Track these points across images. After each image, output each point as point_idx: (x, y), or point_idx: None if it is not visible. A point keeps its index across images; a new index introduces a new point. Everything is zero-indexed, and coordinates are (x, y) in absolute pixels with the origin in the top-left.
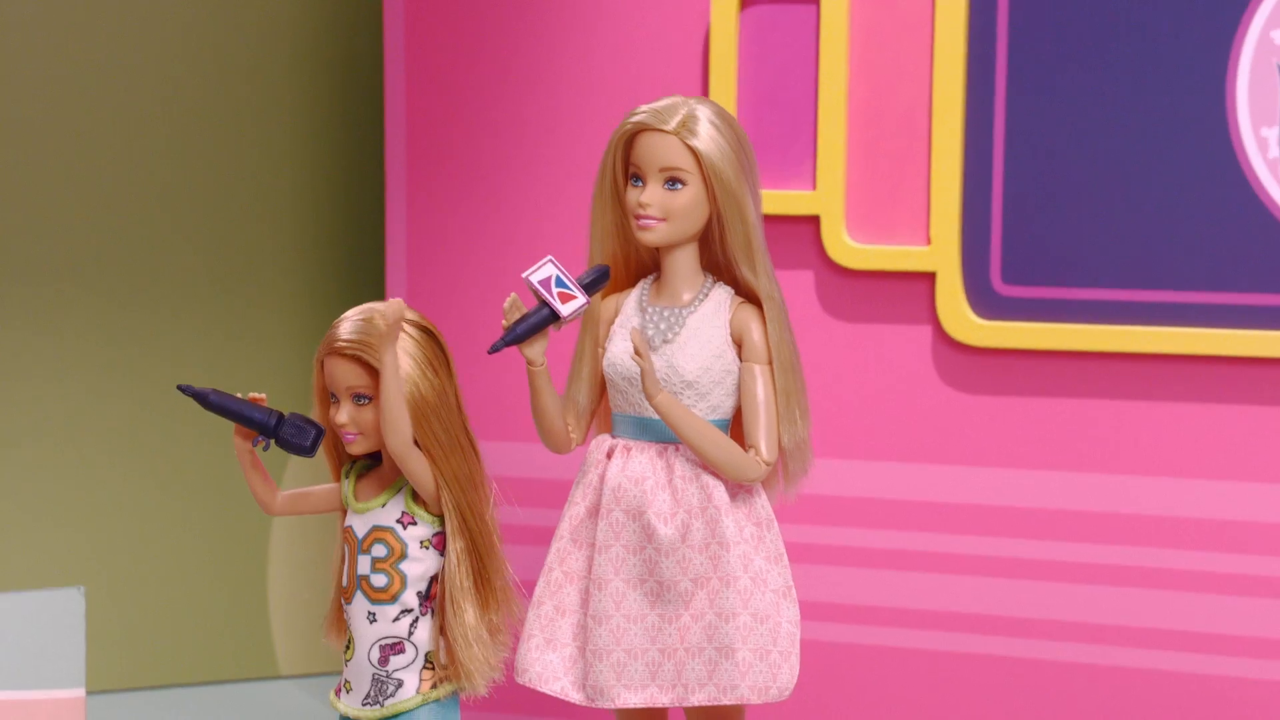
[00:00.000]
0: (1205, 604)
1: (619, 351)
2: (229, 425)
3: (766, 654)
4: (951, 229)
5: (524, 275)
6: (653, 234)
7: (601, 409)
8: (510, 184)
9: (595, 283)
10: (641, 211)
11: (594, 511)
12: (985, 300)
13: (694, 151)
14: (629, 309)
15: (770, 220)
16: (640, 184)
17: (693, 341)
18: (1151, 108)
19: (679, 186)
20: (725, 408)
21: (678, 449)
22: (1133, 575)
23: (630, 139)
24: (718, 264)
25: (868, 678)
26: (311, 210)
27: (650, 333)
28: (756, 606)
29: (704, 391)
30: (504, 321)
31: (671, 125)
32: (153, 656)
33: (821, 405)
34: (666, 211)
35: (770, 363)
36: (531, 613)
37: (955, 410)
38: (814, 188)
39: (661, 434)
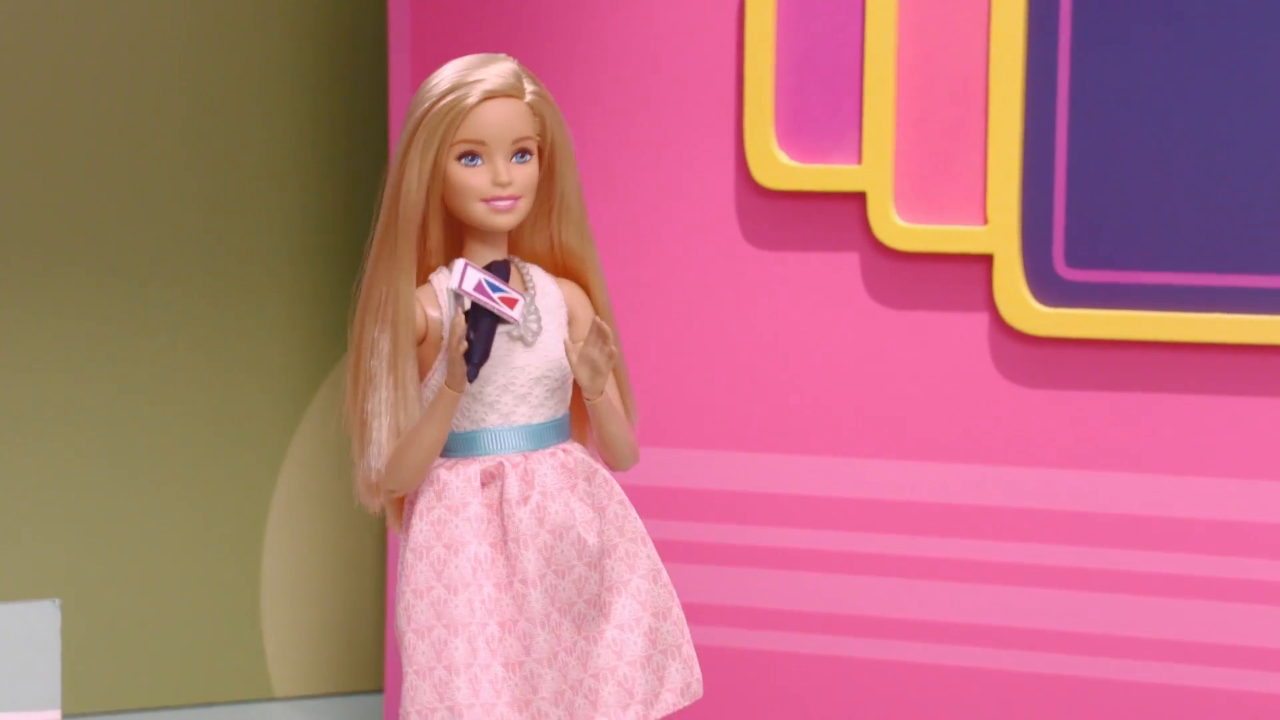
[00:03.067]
0: None
1: (544, 349)
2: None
3: (690, 644)
4: (1010, 207)
5: (452, 287)
6: (512, 216)
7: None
8: None
9: (507, 277)
10: (501, 192)
11: (499, 546)
12: (1048, 285)
13: (539, 116)
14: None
15: (812, 198)
16: (478, 162)
17: (554, 329)
18: (1232, 70)
19: (528, 157)
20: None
21: (565, 450)
22: (1224, 588)
23: (465, 114)
24: (516, 241)
25: (927, 697)
26: (310, 194)
27: (515, 330)
28: (675, 597)
29: (567, 381)
30: (449, 345)
31: (512, 86)
32: (134, 676)
33: (867, 400)
34: (523, 187)
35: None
36: (464, 680)
37: (1015, 406)
38: (859, 162)
39: (550, 437)
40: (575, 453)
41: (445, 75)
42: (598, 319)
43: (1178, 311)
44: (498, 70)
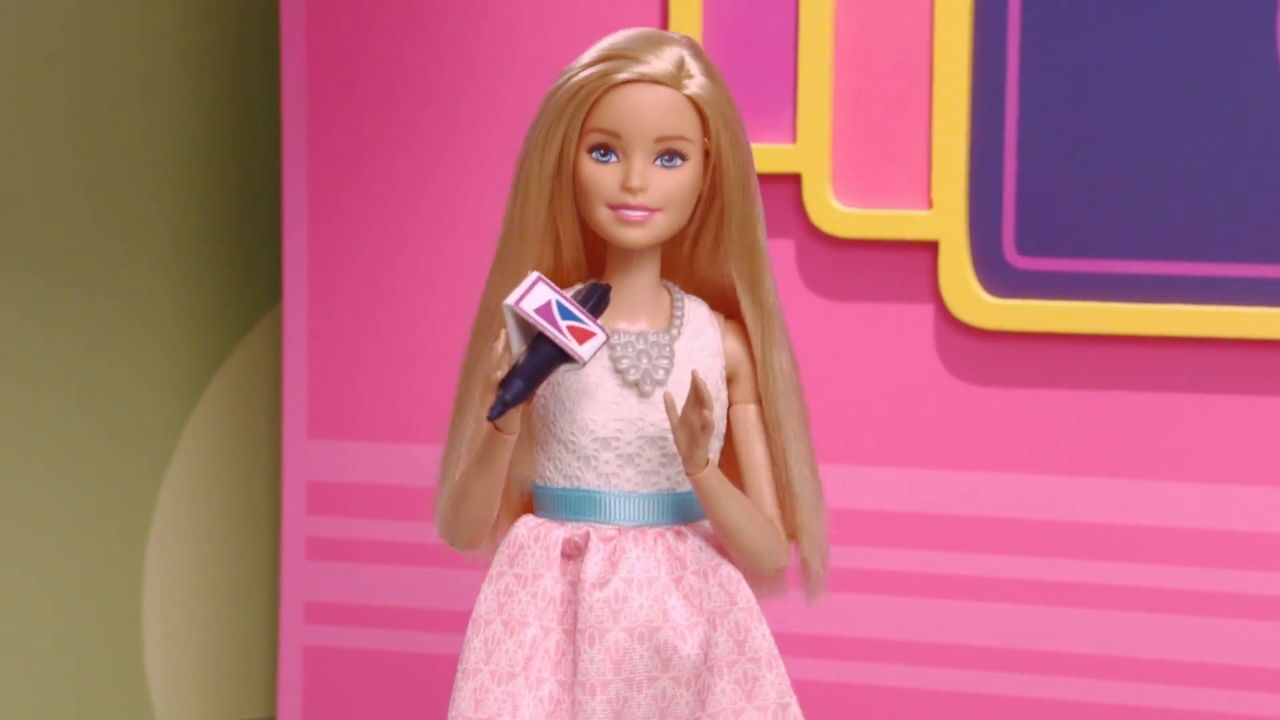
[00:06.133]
0: (1273, 634)
1: (614, 404)
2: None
3: None
4: (957, 189)
5: (509, 303)
6: (643, 231)
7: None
8: (422, 141)
9: (599, 307)
10: (630, 200)
11: (573, 637)
12: (997, 274)
13: (700, 110)
14: None
15: None
16: (613, 158)
17: (688, 383)
18: (1195, 43)
19: (679, 162)
20: None
21: (679, 532)
22: (1176, 600)
23: (599, 95)
24: (677, 267)
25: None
26: (198, 181)
27: (632, 373)
28: None
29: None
30: (494, 373)
31: (669, 73)
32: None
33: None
34: (664, 198)
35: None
36: None
37: (962, 405)
38: (794, 141)
39: (661, 514)
40: (692, 539)
41: (594, 49)
42: (695, 374)
43: (1138, 303)
44: (658, 49)
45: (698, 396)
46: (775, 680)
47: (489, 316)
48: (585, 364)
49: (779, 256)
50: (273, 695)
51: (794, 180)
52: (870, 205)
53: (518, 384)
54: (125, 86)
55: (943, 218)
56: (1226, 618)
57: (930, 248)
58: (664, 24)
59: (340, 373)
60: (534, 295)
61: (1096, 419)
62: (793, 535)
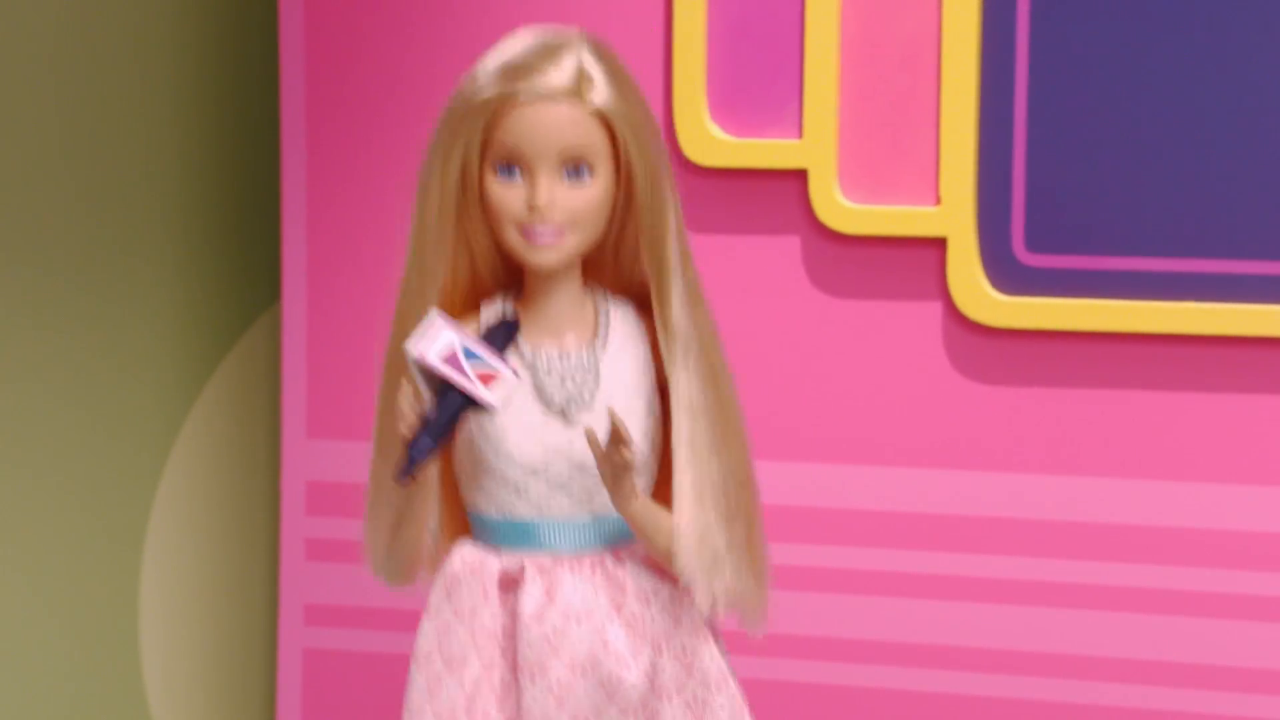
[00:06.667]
0: None
1: (540, 432)
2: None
3: None
4: (965, 185)
5: (413, 354)
6: (553, 253)
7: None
8: (422, 135)
9: (506, 345)
10: (538, 221)
11: (512, 669)
12: (1006, 271)
13: (606, 121)
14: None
15: (748, 176)
16: (516, 176)
17: (616, 402)
18: (1206, 37)
19: (586, 177)
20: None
21: (618, 556)
22: (1190, 602)
23: (499, 113)
24: (603, 270)
25: None
26: (196, 174)
27: (557, 399)
28: None
29: (638, 469)
30: (401, 427)
31: (568, 87)
32: None
33: (808, 398)
34: (572, 216)
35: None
36: None
37: (970, 404)
38: (800, 136)
39: (595, 539)
40: (630, 563)
41: (491, 59)
42: (612, 410)
43: (1150, 300)
44: (561, 61)
45: (616, 436)
46: (726, 702)
47: (396, 352)
48: (498, 410)
49: (784, 254)
50: (272, 699)
51: (800, 176)
52: (877, 201)
53: (425, 441)
54: (123, 83)
55: (951, 214)
56: (1252, 621)
57: (938, 244)
58: (668, 19)
59: (340, 371)
60: (438, 341)
61: (1108, 418)
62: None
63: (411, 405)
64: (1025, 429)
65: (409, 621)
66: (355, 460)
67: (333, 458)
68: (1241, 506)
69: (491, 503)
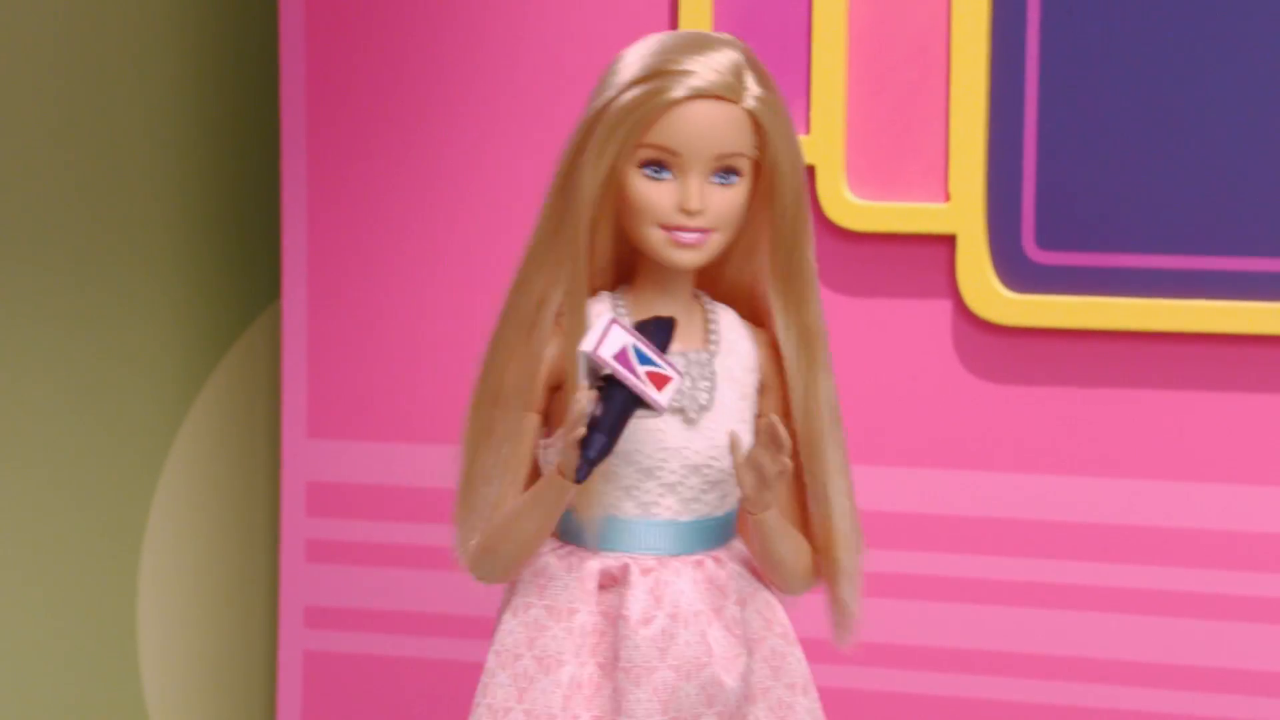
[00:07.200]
0: None
1: (711, 429)
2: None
3: None
4: (975, 181)
5: (585, 349)
6: (697, 253)
7: None
8: (423, 134)
9: (667, 344)
10: (688, 221)
11: (608, 670)
12: (1016, 269)
13: (759, 126)
14: None
15: None
16: (667, 175)
17: (732, 402)
18: (1218, 32)
19: (735, 179)
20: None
21: (718, 559)
22: (1214, 606)
23: (653, 109)
24: (705, 272)
25: None
26: (196, 169)
27: (677, 399)
28: None
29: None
30: (576, 432)
31: (728, 85)
32: None
33: None
34: (720, 218)
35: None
36: None
37: (980, 403)
38: (807, 132)
39: (700, 540)
40: (730, 564)
41: (640, 55)
42: (773, 419)
43: (1162, 298)
44: (714, 60)
45: (775, 442)
46: (809, 706)
47: (515, 328)
48: (665, 410)
49: None
50: (272, 702)
51: (807, 172)
52: (886, 198)
53: (601, 440)
54: (123, 82)
55: (960, 211)
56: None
57: (947, 241)
58: (674, 12)
59: (341, 370)
60: (609, 340)
61: (1120, 417)
62: (823, 570)
63: (583, 408)
64: (1036, 428)
65: (411, 624)
66: (356, 460)
67: (333, 457)
68: (1262, 508)
69: (595, 501)
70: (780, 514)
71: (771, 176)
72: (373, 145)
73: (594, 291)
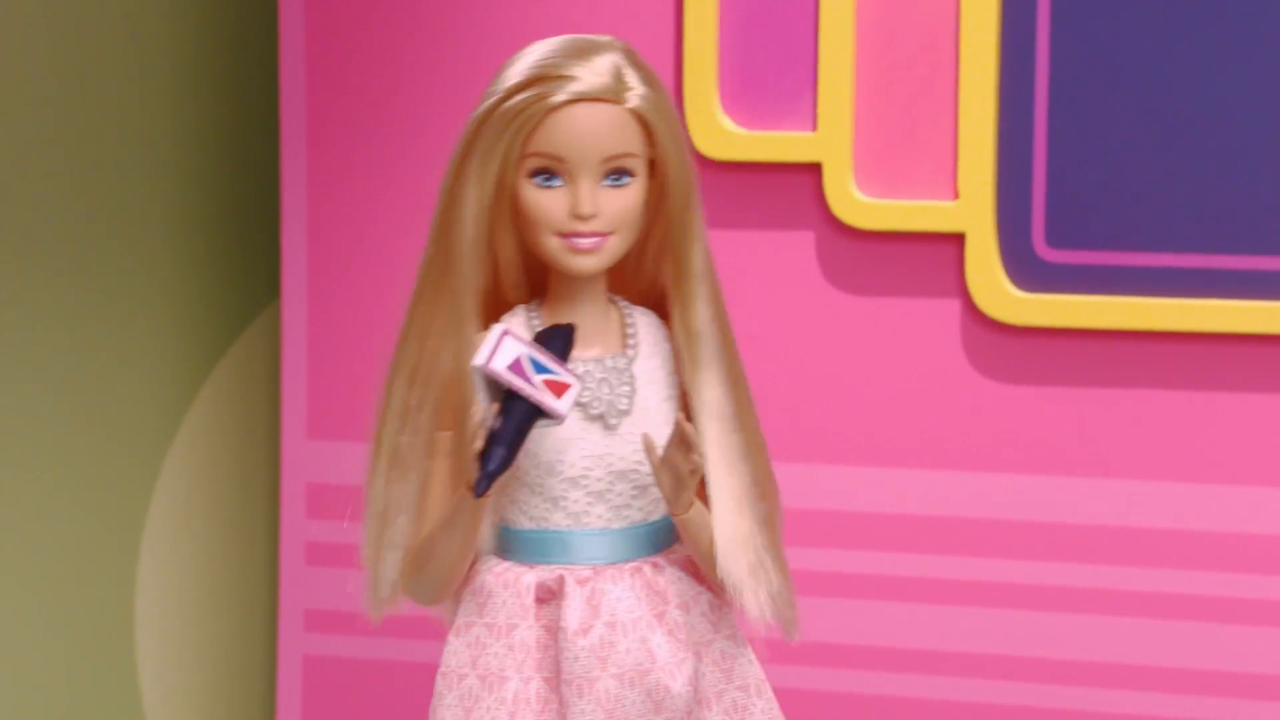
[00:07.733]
0: None
1: (633, 433)
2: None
3: None
4: (984, 179)
5: (478, 364)
6: (596, 258)
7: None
8: (423, 131)
9: (567, 351)
10: (582, 227)
11: (553, 683)
12: (1026, 268)
13: (645, 125)
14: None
15: (761, 169)
16: (557, 182)
17: (655, 405)
18: (1228, 30)
19: (627, 180)
20: None
21: (656, 565)
22: (1222, 608)
23: (537, 120)
24: (621, 274)
25: None
26: (195, 170)
27: (595, 407)
28: None
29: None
30: (474, 445)
31: (608, 87)
32: None
33: (823, 397)
34: (615, 220)
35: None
36: None
37: (989, 403)
38: (814, 129)
39: (635, 547)
40: (669, 569)
41: (522, 63)
42: (680, 418)
43: (1173, 297)
44: (595, 63)
45: (685, 442)
46: (765, 707)
47: (411, 360)
48: (564, 417)
49: (798, 250)
50: (271, 706)
51: (814, 170)
52: (894, 196)
53: (500, 453)
54: (122, 82)
55: (969, 209)
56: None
57: (956, 240)
58: (679, 8)
59: (341, 370)
60: (502, 352)
61: (1130, 418)
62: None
63: (480, 422)
64: (1046, 429)
65: (411, 629)
66: (357, 462)
67: (334, 459)
68: (1278, 510)
69: (524, 514)
70: (701, 512)
71: (664, 173)
72: (372, 145)
73: (509, 306)
